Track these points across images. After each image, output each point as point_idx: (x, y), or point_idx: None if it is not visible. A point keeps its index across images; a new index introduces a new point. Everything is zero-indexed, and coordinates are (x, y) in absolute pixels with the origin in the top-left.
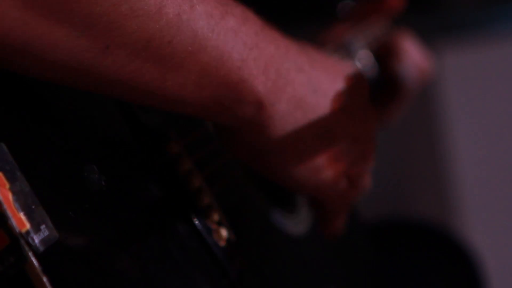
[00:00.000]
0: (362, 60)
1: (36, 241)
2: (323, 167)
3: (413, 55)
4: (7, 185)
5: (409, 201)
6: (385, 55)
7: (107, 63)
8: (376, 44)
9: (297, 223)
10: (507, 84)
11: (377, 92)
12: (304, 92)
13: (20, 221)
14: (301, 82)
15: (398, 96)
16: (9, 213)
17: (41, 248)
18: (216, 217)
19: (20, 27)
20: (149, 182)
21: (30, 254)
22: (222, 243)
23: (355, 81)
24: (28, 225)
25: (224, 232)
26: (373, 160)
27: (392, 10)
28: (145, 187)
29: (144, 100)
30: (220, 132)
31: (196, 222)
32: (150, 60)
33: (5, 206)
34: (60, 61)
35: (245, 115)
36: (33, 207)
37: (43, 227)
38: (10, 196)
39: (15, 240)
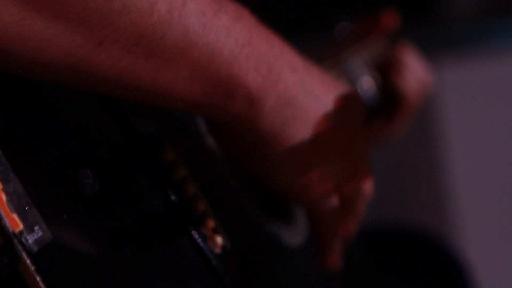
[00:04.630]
0: (361, 76)
1: (30, 241)
2: (311, 168)
3: (414, 68)
4: (0, 186)
5: (405, 210)
6: (386, 69)
7: (101, 59)
8: (374, 62)
9: (293, 235)
10: (505, 99)
11: (379, 107)
12: (295, 92)
13: (14, 221)
14: (294, 81)
15: (401, 110)
16: (2, 213)
17: (35, 249)
18: (211, 224)
19: (18, 22)
20: (144, 189)
21: (24, 254)
22: (217, 250)
23: (350, 98)
24: (21, 226)
25: (219, 240)
26: (369, 186)
27: (387, 29)
28: (139, 194)
29: (136, 96)
30: (211, 127)
31: (191, 229)
32: (142, 55)
33: None
34: (56, 58)
35: (235, 110)
36: (26, 208)
37: (36, 228)
38: (3, 196)
39: (9, 240)
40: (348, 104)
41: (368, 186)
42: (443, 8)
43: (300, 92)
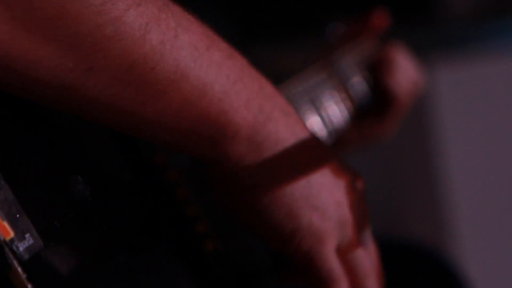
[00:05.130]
0: (352, 76)
1: (21, 249)
2: (302, 213)
3: (405, 68)
4: None
5: (401, 220)
6: (378, 69)
7: (89, 85)
8: (367, 59)
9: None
10: (499, 99)
11: (370, 107)
12: (285, 134)
13: (4, 229)
14: (285, 123)
15: (392, 110)
16: None
17: (26, 256)
18: (203, 227)
19: (7, 40)
20: (135, 193)
21: (15, 262)
22: (209, 254)
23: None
24: (12, 233)
25: (211, 243)
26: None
27: (378, 28)
28: (130, 198)
29: (123, 126)
30: (199, 169)
31: (183, 233)
32: (132, 85)
33: None
34: (43, 80)
35: (223, 147)
36: (17, 215)
37: (27, 235)
38: None
39: (0, 248)
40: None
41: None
42: (439, 9)
43: (290, 135)
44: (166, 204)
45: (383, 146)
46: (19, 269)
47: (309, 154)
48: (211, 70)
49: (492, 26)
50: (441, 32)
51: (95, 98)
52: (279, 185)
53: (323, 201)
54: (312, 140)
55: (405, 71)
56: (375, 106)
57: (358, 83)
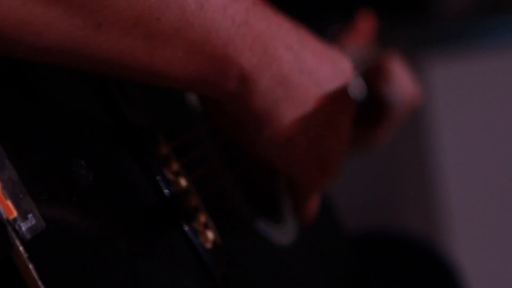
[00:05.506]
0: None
1: (23, 228)
2: (297, 146)
3: (401, 78)
4: None
5: (395, 214)
6: (373, 76)
7: (99, 41)
8: (364, 66)
9: (283, 233)
10: (495, 97)
11: (365, 114)
12: (289, 71)
13: (8, 208)
14: (288, 60)
15: (386, 118)
16: None
17: (28, 236)
18: (203, 219)
19: (19, 7)
20: (137, 181)
21: (17, 241)
22: (208, 246)
23: (339, 76)
24: (15, 213)
25: (210, 235)
26: (345, 150)
27: (365, 32)
28: (132, 186)
29: (133, 76)
30: (204, 101)
31: (183, 224)
32: (140, 37)
33: None
34: (56, 41)
35: (228, 88)
36: (21, 195)
37: (30, 216)
38: None
39: (2, 226)
40: (338, 87)
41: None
42: (434, 6)
43: (294, 70)
44: (167, 194)
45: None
46: (21, 249)
47: (316, 86)
48: (216, 16)
49: (488, 23)
50: (437, 29)
51: (106, 53)
52: (280, 122)
53: (318, 129)
54: (319, 69)
55: (401, 81)
56: (369, 114)
57: (356, 88)
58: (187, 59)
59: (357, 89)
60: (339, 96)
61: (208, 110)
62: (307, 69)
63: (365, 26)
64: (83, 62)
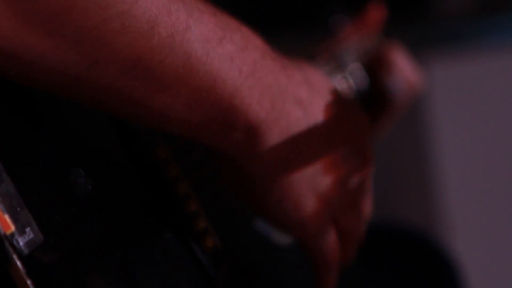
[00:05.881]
0: (353, 73)
1: (21, 243)
2: (306, 203)
3: (403, 68)
4: None
5: (394, 209)
6: (375, 68)
7: (94, 78)
8: (366, 57)
9: (282, 234)
10: (495, 96)
11: (366, 105)
12: (298, 127)
13: (5, 223)
14: (297, 116)
15: (388, 109)
16: None
17: (26, 251)
18: (203, 224)
19: (10, 37)
20: (135, 188)
21: (15, 256)
22: (208, 250)
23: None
24: (13, 227)
25: (210, 239)
26: (366, 217)
27: (374, 24)
28: (131, 193)
29: (129, 116)
30: (211, 156)
31: (183, 229)
32: (139, 78)
33: None
34: (47, 73)
35: (234, 140)
36: (18, 209)
37: (28, 229)
38: None
39: (0, 242)
40: (352, 139)
41: (367, 210)
42: (434, 5)
43: (303, 126)
44: (166, 199)
45: (378, 140)
46: (19, 264)
47: (322, 140)
48: (223, 65)
49: (488, 23)
50: (437, 29)
51: (101, 90)
52: (288, 179)
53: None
54: (329, 122)
55: (402, 71)
56: (370, 105)
57: (358, 77)
58: (189, 106)
59: (359, 81)
60: (355, 152)
61: (215, 166)
62: (317, 125)
63: (374, 17)
64: (75, 95)
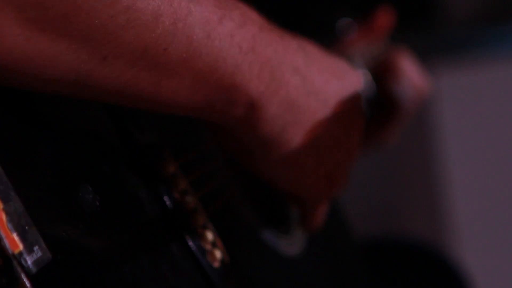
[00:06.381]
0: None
1: (29, 262)
2: (306, 168)
3: (410, 74)
4: (1, 206)
5: (403, 221)
6: (382, 74)
7: (104, 73)
8: (373, 62)
9: (291, 244)
10: (502, 105)
11: (374, 112)
12: (297, 95)
13: (13, 242)
14: (295, 85)
15: (395, 115)
16: (2, 233)
17: (34, 270)
18: (210, 238)
19: (22, 43)
20: (144, 202)
21: (23, 275)
22: (216, 265)
23: (349, 96)
24: (21, 246)
25: (218, 254)
26: (354, 162)
27: (383, 28)
28: (140, 207)
29: (138, 104)
30: (212, 128)
31: (190, 243)
32: (146, 68)
33: None
34: (60, 74)
35: (236, 115)
36: (26, 227)
37: (36, 248)
38: (3, 216)
39: (8, 261)
40: (347, 101)
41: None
42: (440, 14)
43: (301, 94)
44: (174, 213)
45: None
46: (27, 283)
47: (319, 105)
48: (223, 44)
49: (494, 31)
50: (443, 37)
51: (111, 84)
52: (289, 145)
53: (326, 149)
54: (326, 87)
55: (410, 77)
56: (378, 110)
57: (365, 83)
58: (194, 88)
59: (366, 87)
60: (348, 111)
61: (215, 135)
62: (315, 90)
63: (383, 22)
64: (87, 93)
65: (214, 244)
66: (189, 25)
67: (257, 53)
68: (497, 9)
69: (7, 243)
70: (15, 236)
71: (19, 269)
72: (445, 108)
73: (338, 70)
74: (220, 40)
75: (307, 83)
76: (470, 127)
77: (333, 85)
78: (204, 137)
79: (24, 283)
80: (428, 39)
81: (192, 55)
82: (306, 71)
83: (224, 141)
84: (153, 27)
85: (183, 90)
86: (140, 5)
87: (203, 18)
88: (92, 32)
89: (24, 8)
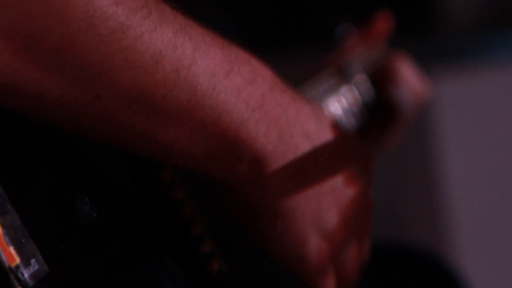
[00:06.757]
0: (358, 84)
1: (26, 275)
2: (309, 242)
3: (409, 79)
4: None
5: (402, 225)
6: (381, 79)
7: (96, 112)
8: (372, 68)
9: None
10: (502, 111)
11: (373, 117)
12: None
13: (10, 255)
14: (304, 150)
15: (395, 121)
16: None
17: (31, 283)
18: (208, 247)
19: (9, 73)
20: (141, 212)
21: None
22: (214, 274)
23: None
24: (17, 260)
25: (216, 263)
26: (364, 253)
27: (382, 33)
28: (137, 218)
29: (132, 148)
30: (217, 187)
31: (188, 253)
32: (142, 112)
33: None
34: (48, 107)
35: (239, 172)
36: (23, 240)
37: (33, 261)
38: (0, 230)
39: (5, 275)
40: (358, 183)
41: (366, 251)
42: (440, 20)
43: (309, 161)
44: (171, 223)
45: (384, 156)
46: None
47: (328, 174)
48: (229, 98)
49: (494, 38)
50: (443, 43)
51: (103, 124)
52: (293, 212)
53: (330, 222)
54: (336, 159)
55: (409, 82)
56: (377, 116)
57: (364, 89)
58: (194, 139)
59: (365, 92)
60: (359, 196)
61: (221, 196)
62: (323, 159)
63: (381, 27)
64: (78, 129)
65: (211, 254)
66: (193, 74)
67: (265, 112)
68: (496, 15)
69: (3, 257)
70: (11, 249)
71: (16, 283)
72: (444, 114)
73: (348, 142)
74: (225, 93)
75: (316, 150)
76: (469, 133)
77: (344, 156)
78: None
79: None
80: (428, 44)
81: (194, 105)
82: (316, 137)
83: (230, 204)
84: (153, 72)
85: (182, 140)
86: (139, 47)
87: (209, 69)
88: (86, 69)
89: (13, 37)
